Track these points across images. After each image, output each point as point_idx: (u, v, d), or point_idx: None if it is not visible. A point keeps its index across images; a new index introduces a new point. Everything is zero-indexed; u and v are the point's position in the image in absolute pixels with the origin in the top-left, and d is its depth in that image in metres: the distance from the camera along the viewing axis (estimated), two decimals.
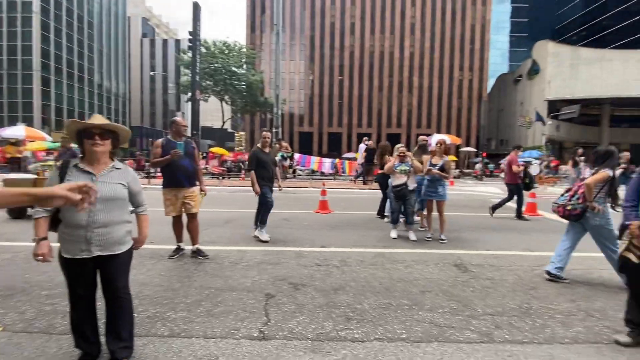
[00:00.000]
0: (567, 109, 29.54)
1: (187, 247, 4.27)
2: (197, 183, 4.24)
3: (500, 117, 48.76)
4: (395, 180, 5.27)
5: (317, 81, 51.84)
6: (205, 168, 17.61)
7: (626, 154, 8.50)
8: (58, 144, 13.12)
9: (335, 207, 8.34)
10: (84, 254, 1.88)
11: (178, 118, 4.24)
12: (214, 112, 57.65)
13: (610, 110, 37.57)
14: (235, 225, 6.08)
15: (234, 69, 30.47)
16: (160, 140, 4.17)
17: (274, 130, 14.53)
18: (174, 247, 4.22)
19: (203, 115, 45.71)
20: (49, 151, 17.64)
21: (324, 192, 7.95)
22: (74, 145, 8.94)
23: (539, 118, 26.45)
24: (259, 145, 5.18)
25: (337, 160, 22.98)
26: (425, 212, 5.74)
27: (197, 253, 4.17)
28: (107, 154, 1.98)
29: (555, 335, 2.50)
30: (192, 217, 4.15)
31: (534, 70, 37.78)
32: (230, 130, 55.57)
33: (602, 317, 2.79)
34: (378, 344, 2.34)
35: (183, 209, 4.10)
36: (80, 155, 1.99)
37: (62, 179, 1.86)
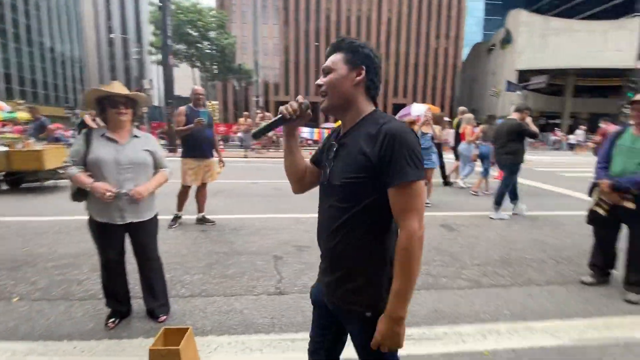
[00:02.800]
0: (536, 79, 30.62)
1: (185, 217, 4.33)
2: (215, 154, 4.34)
3: (473, 87, 49.79)
4: None
5: (293, 47, 49.88)
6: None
7: None
8: (14, 114, 12.01)
9: None
10: (118, 219, 1.94)
11: (197, 87, 4.15)
12: (182, 80, 54.46)
13: (574, 81, 39.34)
14: (227, 195, 6.13)
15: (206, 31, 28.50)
16: (183, 108, 4.08)
17: (253, 98, 14.09)
18: (171, 216, 4.27)
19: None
20: (3, 122, 16.15)
21: None
22: (42, 116, 8.37)
23: (512, 88, 27.33)
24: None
25: (316, 130, 22.99)
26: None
27: (203, 220, 4.33)
28: (130, 122, 2.00)
29: (532, 278, 2.92)
30: (203, 186, 4.30)
31: (507, 40, 38.33)
32: None
33: (569, 263, 3.25)
34: None
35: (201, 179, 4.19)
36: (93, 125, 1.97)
37: (87, 147, 1.87)
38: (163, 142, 15.10)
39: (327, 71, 1.01)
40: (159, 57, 28.03)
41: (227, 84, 45.14)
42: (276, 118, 1.05)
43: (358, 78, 0.98)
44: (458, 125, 7.58)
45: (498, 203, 4.86)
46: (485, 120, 6.85)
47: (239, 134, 14.00)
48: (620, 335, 2.14)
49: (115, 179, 1.89)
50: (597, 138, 6.19)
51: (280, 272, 2.96)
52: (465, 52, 52.96)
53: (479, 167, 7.01)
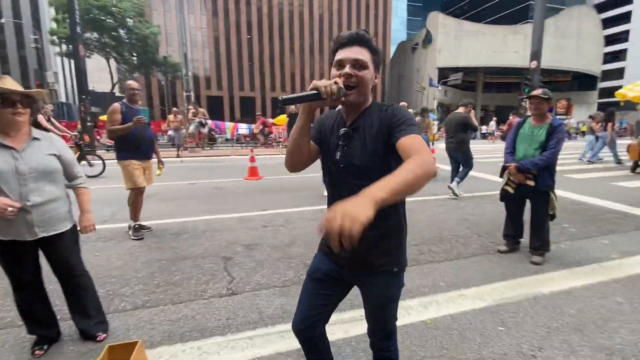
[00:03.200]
0: (453, 76, 34.22)
1: (110, 225, 3.93)
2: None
3: (401, 83, 53.46)
4: None
5: (224, 39, 47.64)
6: (97, 139, 15.22)
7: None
8: None
9: (264, 173, 8.40)
10: (27, 235, 1.69)
11: (131, 81, 3.72)
12: (94, 73, 48.27)
13: (483, 78, 44.75)
14: (161, 198, 5.70)
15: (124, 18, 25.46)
16: (118, 105, 3.60)
17: (185, 94, 13.15)
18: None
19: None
20: None
21: (252, 159, 7.89)
22: None
23: (433, 84, 30.11)
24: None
25: (254, 125, 22.44)
26: None
27: (140, 228, 3.97)
28: (28, 123, 1.73)
29: (460, 252, 3.32)
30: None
31: (428, 40, 41.93)
32: (119, 94, 47.59)
33: (488, 236, 3.76)
34: None
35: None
36: None
37: None
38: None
39: (362, 65, 1.04)
40: (64, 47, 24.41)
41: (151, 77, 41.37)
42: (310, 92, 1.00)
43: (376, 80, 1.11)
44: None
45: (461, 179, 5.76)
46: (419, 113, 7.48)
47: (170, 132, 12.95)
48: (529, 291, 2.58)
49: (17, 192, 1.63)
50: (505, 128, 7.28)
51: (231, 272, 2.89)
52: (392, 50, 56.47)
53: None
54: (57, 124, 7.88)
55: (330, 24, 50.66)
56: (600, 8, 51.96)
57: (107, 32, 25.08)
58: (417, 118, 7.42)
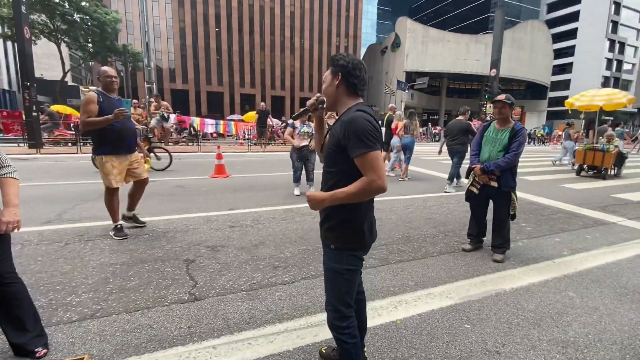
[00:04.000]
0: (419, 80, 35.45)
1: (55, 226, 3.57)
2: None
3: (371, 85, 54.53)
4: (299, 142, 5.53)
5: (190, 30, 45.69)
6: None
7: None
8: None
9: (231, 170, 8.13)
10: None
11: (107, 68, 3.36)
12: (43, 59, 44.18)
13: (447, 83, 46.87)
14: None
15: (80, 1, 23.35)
16: (94, 94, 3.24)
17: (146, 85, 12.39)
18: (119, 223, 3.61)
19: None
20: None
21: (219, 156, 7.59)
22: None
23: (401, 87, 30.98)
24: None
25: (222, 122, 21.74)
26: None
27: (134, 219, 3.86)
28: None
29: (428, 251, 3.38)
30: (144, 182, 3.76)
31: (396, 44, 43.09)
32: (72, 83, 43.60)
33: (454, 235, 3.88)
34: (305, 282, 2.68)
35: (128, 177, 3.62)
36: None
37: None
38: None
39: (324, 81, 1.47)
40: (7, 29, 22.09)
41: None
42: (303, 109, 1.63)
43: (336, 82, 1.41)
44: (389, 122, 8.20)
45: (451, 179, 6.61)
46: (408, 116, 7.67)
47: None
48: (492, 288, 2.67)
49: None
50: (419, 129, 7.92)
51: (194, 276, 2.71)
52: (362, 52, 57.43)
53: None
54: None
55: (302, 22, 50.41)
56: (550, 24, 56.48)
57: (61, 15, 22.95)
58: (405, 121, 7.65)
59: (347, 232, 1.41)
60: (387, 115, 8.42)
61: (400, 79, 36.97)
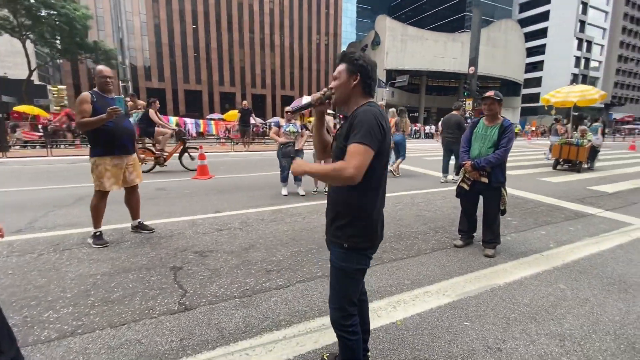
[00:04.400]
0: (399, 78, 35.95)
1: (30, 235, 3.33)
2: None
3: None
4: (284, 141, 5.42)
5: (166, 27, 44.28)
6: (11, 133, 13.19)
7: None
8: None
9: (214, 171, 7.91)
10: None
11: (102, 67, 3.23)
12: (7, 57, 41.63)
13: (426, 81, 47.73)
14: (88, 202, 4.99)
15: None
16: (87, 94, 3.12)
17: (121, 84, 11.86)
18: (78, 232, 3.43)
19: None
20: None
21: (202, 156, 7.36)
22: None
23: (382, 85, 31.28)
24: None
25: (201, 121, 21.22)
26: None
27: (140, 227, 3.68)
28: None
29: (420, 249, 3.38)
30: (135, 188, 3.60)
31: (376, 42, 43.44)
32: (39, 82, 41.09)
33: (444, 232, 3.90)
34: (301, 285, 2.60)
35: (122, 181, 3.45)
36: None
37: None
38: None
39: (335, 78, 1.41)
40: None
41: (80, 64, 36.98)
42: (306, 103, 1.49)
43: (354, 82, 1.38)
44: None
45: (445, 171, 7.09)
46: (398, 114, 7.75)
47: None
48: (487, 284, 2.69)
49: None
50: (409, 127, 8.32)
51: (183, 285, 2.57)
52: (343, 49, 57.39)
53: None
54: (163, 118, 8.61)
55: (282, 19, 49.91)
56: (522, 23, 58.58)
57: (26, 10, 21.57)
58: (396, 118, 7.68)
59: (360, 230, 1.38)
60: None
61: (381, 77, 37.36)
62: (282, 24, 50.02)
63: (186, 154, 8.24)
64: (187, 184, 6.57)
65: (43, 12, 22.46)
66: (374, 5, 77.16)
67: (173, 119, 18.17)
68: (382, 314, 2.25)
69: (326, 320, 2.15)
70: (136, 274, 2.73)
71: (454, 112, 7.10)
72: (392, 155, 8.19)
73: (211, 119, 23.70)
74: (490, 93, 3.13)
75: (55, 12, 22.60)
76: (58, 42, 25.07)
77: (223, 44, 47.13)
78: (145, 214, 4.39)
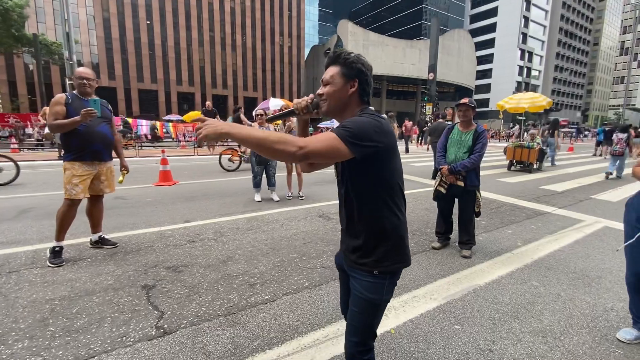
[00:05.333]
0: None
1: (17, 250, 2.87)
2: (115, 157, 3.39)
3: (315, 85, 55.07)
4: None
5: (116, 22, 41.36)
6: None
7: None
8: None
9: (178, 177, 7.47)
10: None
11: (83, 69, 2.94)
12: None
13: (387, 85, 49.46)
14: (38, 215, 4.45)
15: None
16: (62, 95, 2.86)
17: (68, 82, 10.77)
18: (46, 247, 3.05)
19: None
20: None
21: (164, 161, 6.90)
22: None
23: None
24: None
25: (158, 123, 20.04)
26: None
27: (102, 242, 3.34)
28: None
29: None
30: (98, 198, 3.26)
31: (339, 46, 44.21)
32: None
33: (421, 234, 3.99)
34: (288, 298, 2.49)
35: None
36: None
37: None
38: None
39: (327, 83, 1.21)
40: None
41: (16, 58, 33.32)
42: (289, 110, 1.30)
43: (352, 89, 1.20)
44: None
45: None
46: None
47: (46, 130, 10.45)
48: (469, 285, 2.77)
49: None
50: (401, 130, 9.33)
51: (158, 305, 2.35)
52: (306, 52, 57.73)
53: None
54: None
55: (243, 19, 48.88)
56: (473, 33, 63.01)
57: None
58: None
59: (391, 250, 1.20)
60: None
61: None
62: (243, 24, 49.02)
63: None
64: (148, 191, 6.12)
65: None
66: (336, 10, 78.42)
67: (127, 120, 16.96)
68: None
69: (319, 334, 2.07)
70: (102, 296, 2.44)
71: (440, 120, 8.01)
72: None
73: (169, 121, 22.45)
74: (465, 100, 3.26)
75: None
76: None
77: (181, 41, 45.07)
78: (106, 226, 3.99)
